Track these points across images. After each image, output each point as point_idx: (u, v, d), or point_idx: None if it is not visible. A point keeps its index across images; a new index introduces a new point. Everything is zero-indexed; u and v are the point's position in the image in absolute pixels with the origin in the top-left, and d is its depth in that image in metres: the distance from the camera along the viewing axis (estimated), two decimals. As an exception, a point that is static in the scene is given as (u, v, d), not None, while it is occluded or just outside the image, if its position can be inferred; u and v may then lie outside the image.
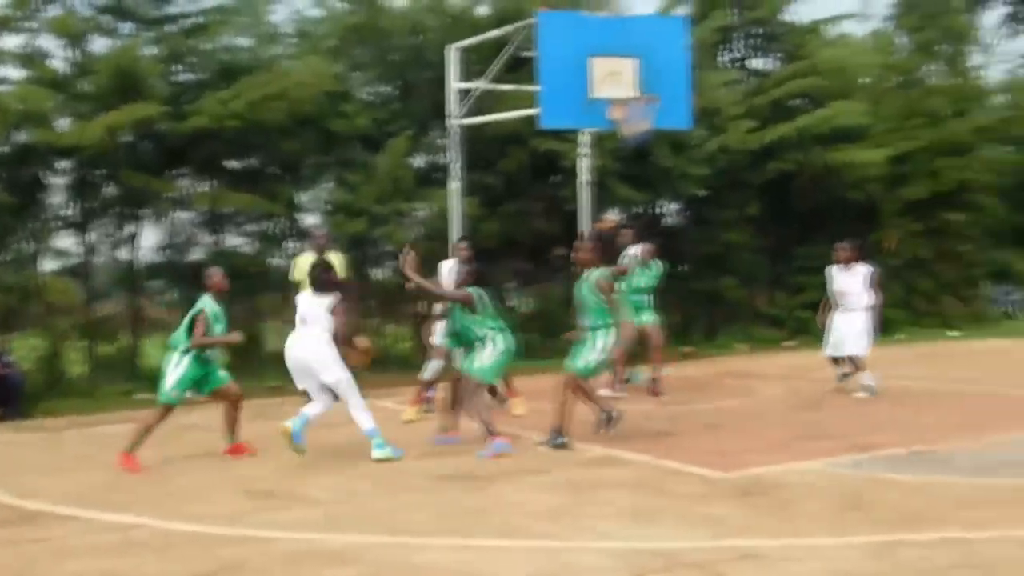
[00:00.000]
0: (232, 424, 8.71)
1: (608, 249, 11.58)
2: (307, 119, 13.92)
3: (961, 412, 9.99)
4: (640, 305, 11.39)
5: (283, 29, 15.18)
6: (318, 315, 8.32)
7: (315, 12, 15.40)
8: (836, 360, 11.43)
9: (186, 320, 8.29)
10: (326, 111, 14.12)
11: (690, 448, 8.43)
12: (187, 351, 8.22)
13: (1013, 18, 28.10)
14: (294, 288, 11.60)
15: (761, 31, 18.72)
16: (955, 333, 18.02)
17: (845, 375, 11.37)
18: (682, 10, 18.00)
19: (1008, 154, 20.37)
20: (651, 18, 14.66)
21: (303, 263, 11.45)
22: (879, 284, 11.23)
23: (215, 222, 14.56)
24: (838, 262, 11.26)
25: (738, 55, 19.10)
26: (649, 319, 11.47)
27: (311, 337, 8.31)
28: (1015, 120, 20.56)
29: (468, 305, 8.53)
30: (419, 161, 15.74)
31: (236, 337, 8.55)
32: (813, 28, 18.69)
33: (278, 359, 14.16)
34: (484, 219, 14.43)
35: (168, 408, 8.29)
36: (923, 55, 20.15)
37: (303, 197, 15.26)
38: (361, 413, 8.29)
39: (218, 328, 8.31)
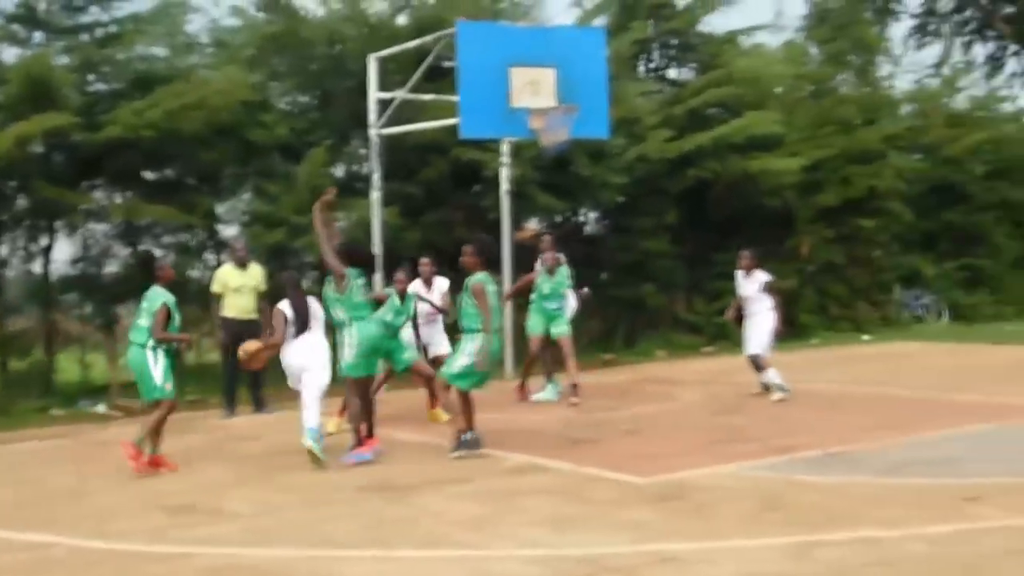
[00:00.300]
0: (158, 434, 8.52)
1: (532, 256, 11.73)
2: (225, 129, 13.77)
3: (872, 414, 10.25)
4: (551, 314, 11.56)
5: (200, 39, 15.01)
6: (320, 317, 8.64)
7: (232, 21, 15.24)
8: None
9: (146, 314, 8.21)
10: (244, 121, 13.99)
11: (610, 454, 8.53)
12: (156, 345, 8.17)
13: (920, 30, 29.00)
14: (215, 300, 11.49)
15: (677, 42, 19.02)
16: (868, 337, 18.47)
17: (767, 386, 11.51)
18: (601, 21, 18.22)
19: (916, 162, 20.97)
20: (570, 29, 14.84)
21: (223, 275, 11.44)
22: (774, 290, 11.43)
23: (132, 234, 14.31)
24: (740, 269, 11.53)
25: (655, 65, 19.39)
26: (559, 329, 11.56)
27: (317, 341, 8.60)
28: (922, 129, 21.22)
29: (338, 280, 8.37)
30: (339, 171, 15.67)
31: (188, 337, 8.94)
32: (728, 39, 19.02)
33: (198, 372, 14.10)
34: (405, 228, 14.41)
35: (172, 404, 8.29)
36: (834, 65, 20.66)
37: (221, 208, 15.09)
38: (315, 409, 8.34)
39: (177, 319, 8.37)
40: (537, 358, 11.84)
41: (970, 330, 19.22)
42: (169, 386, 8.27)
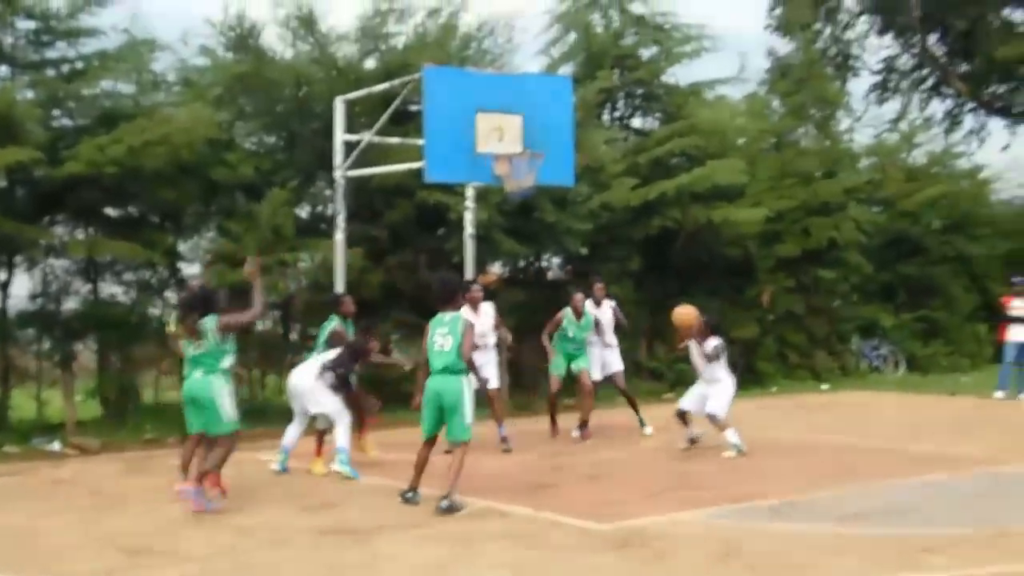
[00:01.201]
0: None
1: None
2: (189, 167, 13.73)
3: (829, 463, 10.35)
4: (572, 354, 12.30)
5: (167, 77, 15.00)
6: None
7: (200, 61, 15.26)
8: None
9: (214, 343, 8.39)
10: (209, 159, 13.97)
11: (570, 499, 8.55)
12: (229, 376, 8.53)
13: (880, 86, 29.60)
14: (172, 339, 11.39)
15: (642, 92, 19.27)
16: (826, 386, 18.65)
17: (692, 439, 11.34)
18: (567, 70, 18.46)
19: (874, 214, 21.32)
20: (537, 76, 15.01)
21: None
22: (721, 354, 11.09)
23: (91, 270, 14.20)
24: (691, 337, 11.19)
25: (620, 114, 19.63)
26: (580, 363, 12.28)
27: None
28: (881, 182, 21.61)
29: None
30: (304, 211, 15.68)
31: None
32: (692, 91, 19.31)
33: (154, 411, 13.97)
34: (369, 270, 14.42)
35: (237, 434, 8.48)
36: (795, 119, 21.01)
37: (184, 246, 15.02)
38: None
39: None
40: (557, 398, 12.44)
41: (926, 381, 19.48)
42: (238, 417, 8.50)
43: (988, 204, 23.61)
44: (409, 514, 8.01)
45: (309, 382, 9.82)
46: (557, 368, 12.36)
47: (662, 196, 16.97)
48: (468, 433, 8.30)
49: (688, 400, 11.21)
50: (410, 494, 8.40)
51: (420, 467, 8.45)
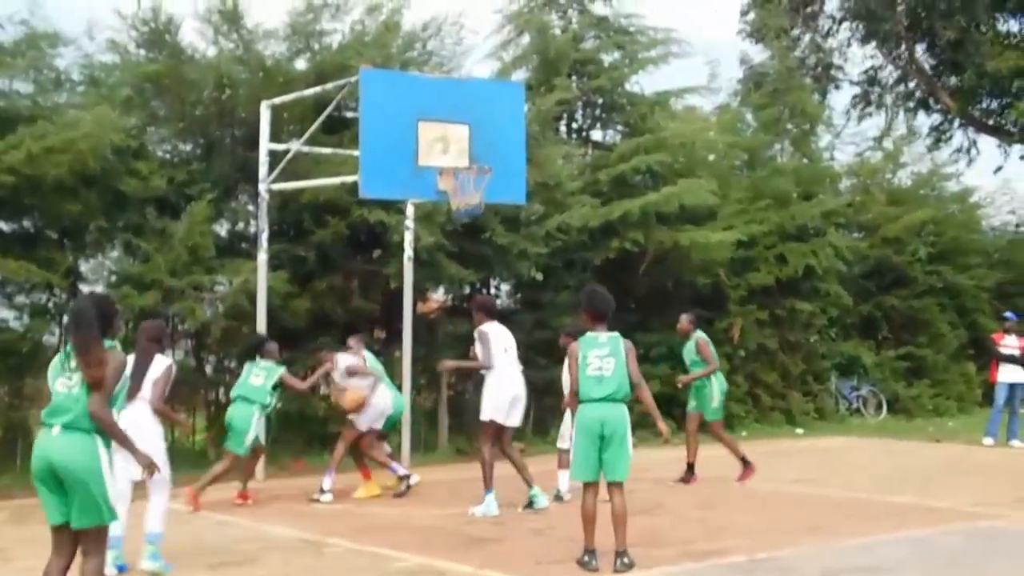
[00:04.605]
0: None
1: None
2: (93, 177, 13.57)
3: (803, 515, 10.41)
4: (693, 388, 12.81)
5: (70, 75, 14.82)
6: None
7: (108, 57, 15.11)
8: None
9: (269, 377, 10.96)
10: (116, 169, 13.81)
11: (514, 556, 8.51)
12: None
13: (862, 99, 30.06)
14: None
15: (602, 101, 19.36)
16: (801, 431, 18.78)
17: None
18: (520, 76, 18.50)
19: (855, 240, 21.58)
20: (486, 82, 15.04)
21: None
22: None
23: (-21, 291, 13.96)
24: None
25: (578, 126, 19.70)
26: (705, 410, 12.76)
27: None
28: (862, 205, 21.87)
29: None
30: (222, 229, 15.54)
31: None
32: (658, 101, 19.37)
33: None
34: (293, 296, 14.31)
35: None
36: (770, 133, 21.23)
37: (85, 266, 14.79)
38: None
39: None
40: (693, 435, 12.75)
41: (909, 425, 19.72)
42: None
43: (979, 231, 24.04)
44: (331, 572, 7.91)
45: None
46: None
47: (625, 217, 17.01)
48: (628, 471, 8.19)
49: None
50: (587, 558, 8.03)
51: (592, 520, 8.09)
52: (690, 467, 12.66)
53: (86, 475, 5.75)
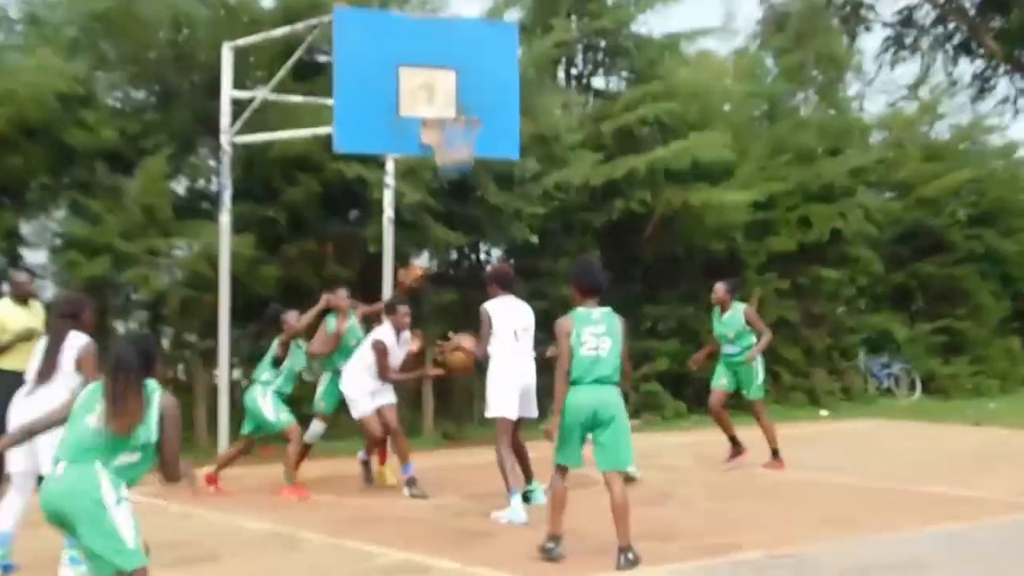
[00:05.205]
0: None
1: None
2: (36, 129, 13.56)
3: (826, 506, 10.49)
4: (730, 363, 12.83)
5: (7, 12, 14.78)
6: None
7: (51, -7, 15.05)
8: None
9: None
10: (61, 119, 13.77)
11: (507, 551, 8.56)
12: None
13: (895, 43, 29.95)
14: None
15: (605, 44, 19.27)
16: (826, 413, 18.87)
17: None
18: (513, 15, 18.42)
19: (887, 201, 21.58)
20: (475, 22, 14.95)
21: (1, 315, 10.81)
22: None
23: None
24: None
25: (579, 72, 19.64)
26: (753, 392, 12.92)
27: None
28: (896, 162, 21.85)
29: None
30: (181, 187, 15.52)
31: None
32: (668, 44, 19.31)
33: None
34: (261, 262, 14.32)
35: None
36: (793, 81, 21.21)
37: (27, 227, 14.79)
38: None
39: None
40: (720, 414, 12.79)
41: (946, 406, 19.78)
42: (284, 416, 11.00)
43: (1024, 190, 24.06)
44: (307, 568, 7.97)
45: None
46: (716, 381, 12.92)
47: (631, 175, 17.00)
48: (632, 458, 8.40)
49: None
50: (551, 544, 8.21)
51: (563, 505, 8.29)
52: (734, 440, 12.70)
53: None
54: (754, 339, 12.60)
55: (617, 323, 8.26)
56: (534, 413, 10.38)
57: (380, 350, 10.81)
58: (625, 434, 8.21)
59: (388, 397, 11.11)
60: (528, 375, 10.33)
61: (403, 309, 11.13)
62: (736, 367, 12.71)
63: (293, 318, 11.22)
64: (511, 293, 10.50)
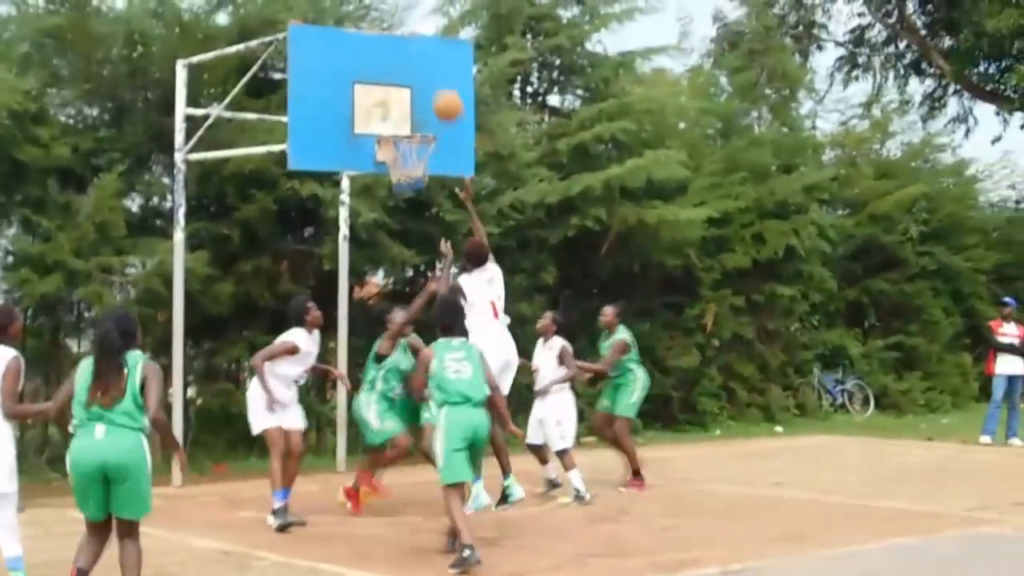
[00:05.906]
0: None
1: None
2: (-15, 145, 13.43)
3: (781, 522, 10.51)
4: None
5: (-41, 29, 14.63)
6: None
7: (2, 9, 14.91)
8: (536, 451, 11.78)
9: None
10: (12, 136, 13.64)
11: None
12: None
13: (848, 62, 30.22)
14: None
15: (560, 62, 19.31)
16: (781, 429, 18.94)
17: (551, 482, 11.75)
18: (468, 34, 18.44)
19: (840, 218, 21.74)
20: (431, 40, 14.96)
21: None
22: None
23: None
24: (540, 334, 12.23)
25: (534, 90, 19.66)
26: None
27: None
28: (848, 180, 22.02)
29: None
30: (134, 204, 15.40)
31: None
32: (623, 62, 19.39)
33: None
34: (215, 280, 14.22)
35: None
36: (747, 99, 21.32)
37: (-25, 246, 14.64)
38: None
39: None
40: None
41: (899, 422, 19.93)
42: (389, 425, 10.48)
43: (976, 207, 24.32)
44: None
45: None
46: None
47: (586, 192, 17.01)
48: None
49: (531, 432, 11.66)
50: (468, 552, 8.27)
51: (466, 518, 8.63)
52: (635, 472, 12.34)
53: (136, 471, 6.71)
54: (629, 364, 12.41)
55: (475, 351, 8.93)
56: (506, 390, 10.47)
57: (289, 349, 10.52)
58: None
59: (296, 421, 10.66)
60: (510, 350, 10.74)
61: (314, 306, 10.88)
62: (615, 386, 12.49)
63: (399, 316, 10.91)
64: (483, 264, 10.96)
